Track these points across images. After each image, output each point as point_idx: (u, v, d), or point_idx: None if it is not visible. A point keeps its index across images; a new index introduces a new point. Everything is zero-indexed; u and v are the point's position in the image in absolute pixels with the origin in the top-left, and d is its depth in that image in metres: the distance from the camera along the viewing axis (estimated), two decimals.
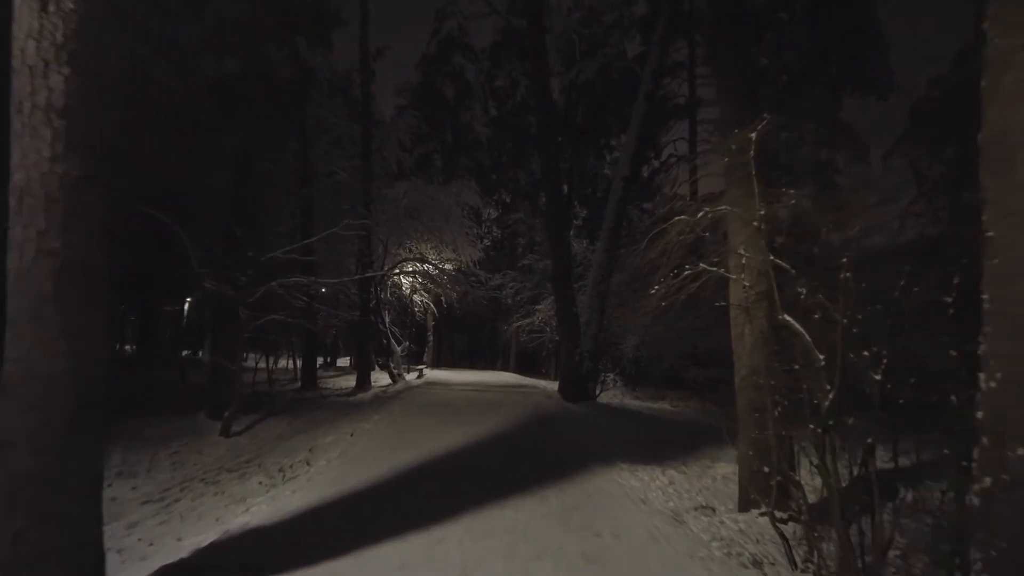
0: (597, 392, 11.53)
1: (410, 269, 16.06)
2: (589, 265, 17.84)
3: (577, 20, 18.33)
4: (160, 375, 15.97)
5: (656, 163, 19.15)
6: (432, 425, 7.06)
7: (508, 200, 28.75)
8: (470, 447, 5.65)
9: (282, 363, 22.51)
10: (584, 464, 5.13)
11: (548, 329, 20.46)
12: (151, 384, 14.00)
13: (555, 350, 21.85)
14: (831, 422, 2.69)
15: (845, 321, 2.71)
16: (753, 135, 3.16)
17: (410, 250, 16.02)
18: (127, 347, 24.40)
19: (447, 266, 16.36)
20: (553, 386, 16.14)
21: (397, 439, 6.06)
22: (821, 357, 2.73)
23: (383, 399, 11.19)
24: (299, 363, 15.92)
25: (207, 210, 8.92)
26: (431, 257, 15.85)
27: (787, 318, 2.95)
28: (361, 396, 12.60)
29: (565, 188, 14.89)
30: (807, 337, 2.82)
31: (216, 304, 7.72)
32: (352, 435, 6.35)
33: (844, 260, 2.64)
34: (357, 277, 8.68)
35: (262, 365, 23.39)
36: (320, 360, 26.44)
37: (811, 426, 2.99)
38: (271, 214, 12.76)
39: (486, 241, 26.71)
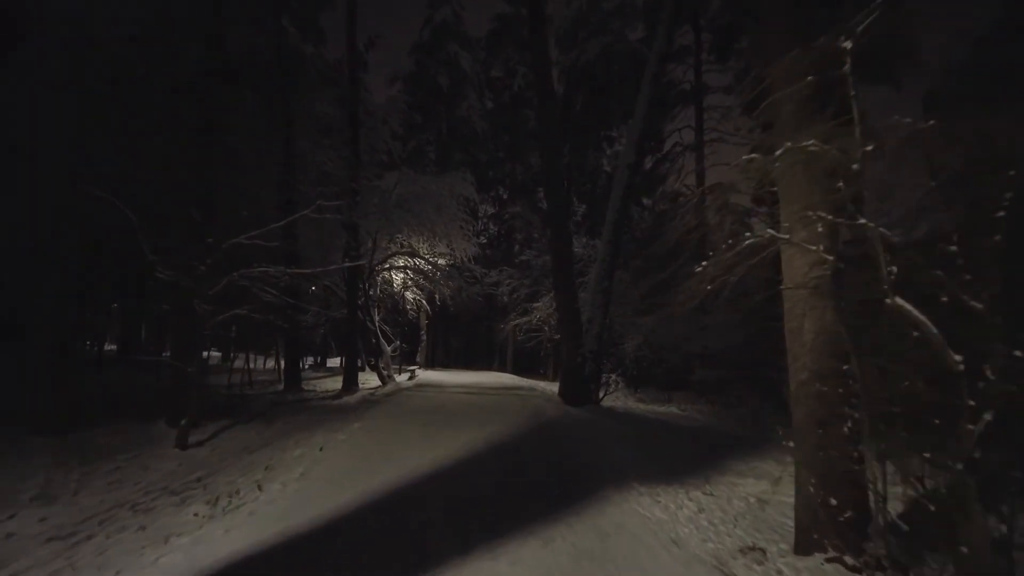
0: (600, 395, 10.67)
1: (401, 264, 15.19)
2: (589, 262, 17.01)
3: (577, 9, 17.50)
4: (138, 377, 15.07)
5: (659, 155, 18.37)
6: (418, 436, 6.18)
7: (505, 197, 27.98)
8: (460, 465, 4.77)
9: (271, 363, 21.70)
10: (595, 487, 4.27)
11: (546, 328, 19.60)
12: (124, 387, 13.10)
13: (554, 350, 20.97)
14: (977, 455, 1.83)
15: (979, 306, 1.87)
16: (848, 44, 2.31)
17: (401, 244, 15.15)
18: (109, 347, 23.43)
19: (440, 261, 15.50)
20: (552, 388, 15.28)
21: (375, 454, 5.18)
22: (959, 359, 1.87)
23: (369, 403, 10.32)
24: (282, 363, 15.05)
25: (172, 195, 7.99)
26: (423, 251, 14.98)
27: (901, 302, 2.09)
28: (347, 399, 11.74)
29: (564, 183, 13.99)
30: (933, 329, 1.96)
31: (173, 297, 6.81)
32: (322, 449, 5.47)
33: (1001, 213, 1.78)
34: (333, 268, 7.76)
35: (251, 365, 22.51)
36: (310, 360, 25.57)
37: (926, 454, 2.15)
38: (249, 203, 11.86)
39: (482, 238, 25.93)
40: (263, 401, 11.37)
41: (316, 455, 5.25)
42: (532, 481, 4.43)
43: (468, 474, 4.54)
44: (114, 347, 24.30)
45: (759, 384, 11.51)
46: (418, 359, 22.84)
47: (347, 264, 8.44)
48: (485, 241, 26.92)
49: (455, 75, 20.79)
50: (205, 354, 23.67)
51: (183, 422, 6.24)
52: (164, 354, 19.69)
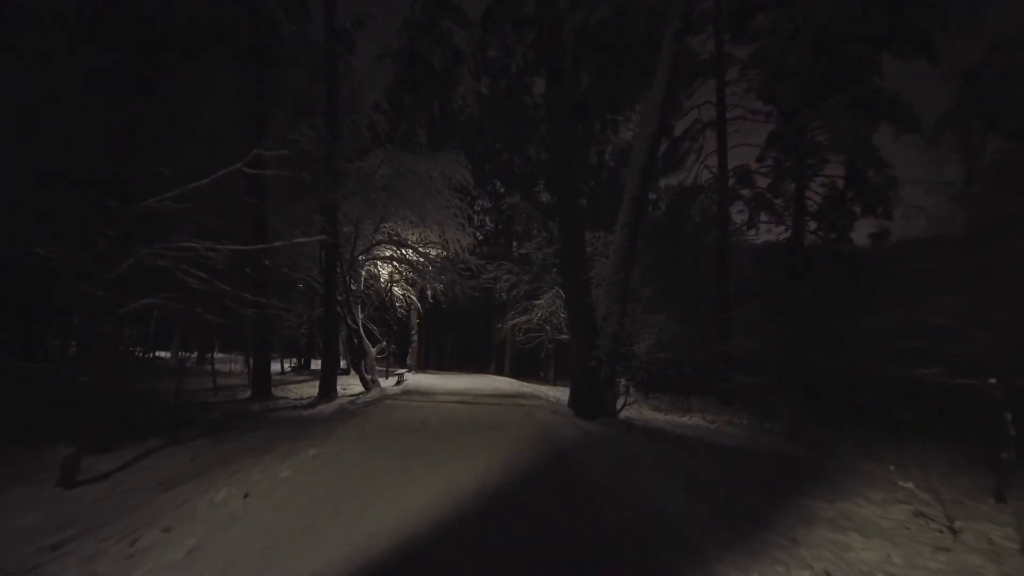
0: (618, 405, 9.04)
1: (387, 255, 13.56)
2: (593, 255, 15.47)
3: None
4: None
5: (671, 138, 16.83)
6: (388, 472, 4.56)
7: (502, 191, 26.44)
8: (440, 532, 3.14)
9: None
10: (659, 572, 2.66)
11: (548, 327, 18.04)
12: (67, 398, 11.39)
13: (555, 352, 19.39)
14: None
15: None
16: None
17: (389, 234, 13.53)
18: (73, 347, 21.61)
19: (431, 253, 13.87)
20: (555, 393, 13.68)
21: (318, 507, 3.55)
22: None
23: (343, 416, 8.70)
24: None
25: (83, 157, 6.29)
26: (412, 241, 13.35)
27: None
28: (321, 409, 10.15)
29: (573, 158, 12.26)
30: None
31: (63, 283, 5.14)
32: (248, 496, 3.83)
33: None
34: (279, 244, 6.09)
35: (230, 367, 20.77)
36: (294, 362, 23.83)
37: None
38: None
39: (479, 235, 24.41)
40: (223, 412, 9.76)
41: (235, 507, 3.62)
42: (555, 564, 2.80)
43: (452, 551, 2.91)
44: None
45: (800, 391, 9.95)
46: (409, 361, 21.19)
47: (300, 239, 6.74)
48: (482, 237, 25.40)
49: (449, 53, 19.17)
50: (188, 354, 21.85)
51: (69, 453, 4.57)
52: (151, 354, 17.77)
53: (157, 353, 25.08)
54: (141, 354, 22.26)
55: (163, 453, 6.20)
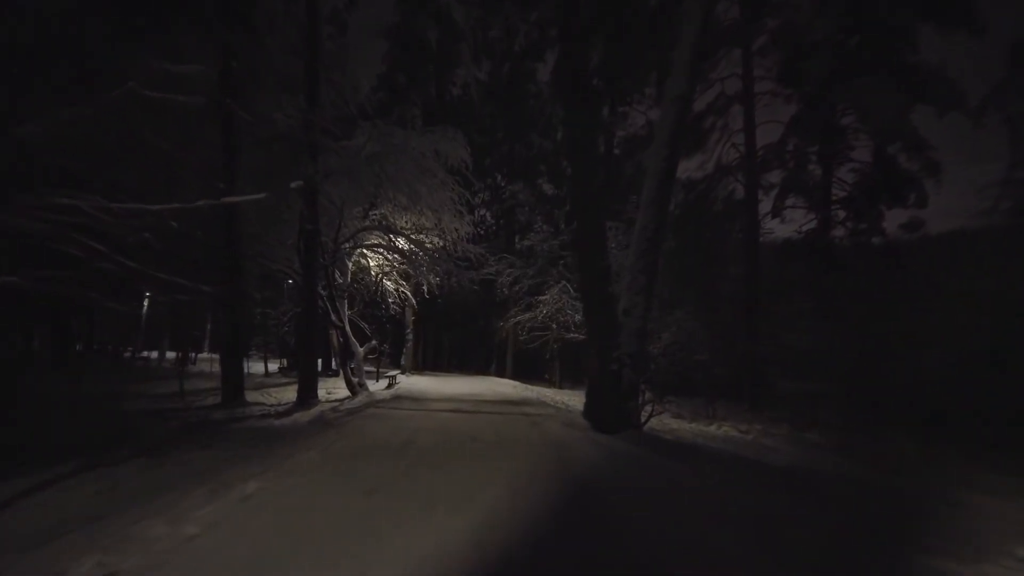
0: (644, 416, 7.61)
1: (375, 242, 12.18)
2: None
3: None
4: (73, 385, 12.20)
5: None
6: (347, 519, 3.19)
7: (503, 184, 25.12)
8: None
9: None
10: None
11: (554, 326, 16.66)
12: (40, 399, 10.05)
13: (561, 352, 18.03)
14: None
15: None
16: None
17: (377, 220, 12.17)
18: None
19: (426, 243, 12.48)
20: (564, 398, 12.30)
21: None
22: None
23: (317, 428, 7.36)
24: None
25: None
26: (403, 226, 11.98)
27: None
28: (297, 418, 8.77)
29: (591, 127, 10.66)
30: None
31: None
32: None
33: None
34: (202, 203, 4.57)
35: (216, 368, 19.39)
36: (284, 362, 22.46)
37: None
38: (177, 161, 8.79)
39: (480, 230, 23.08)
40: (180, 421, 8.37)
41: None
42: None
43: None
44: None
45: (853, 398, 8.57)
46: (403, 362, 19.82)
47: (232, 199, 5.27)
48: (482, 232, 24.06)
49: (447, 30, 17.78)
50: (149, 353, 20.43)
51: None
52: (142, 354, 16.24)
53: (143, 353, 23.88)
54: (130, 354, 21.05)
55: (69, 483, 4.81)
